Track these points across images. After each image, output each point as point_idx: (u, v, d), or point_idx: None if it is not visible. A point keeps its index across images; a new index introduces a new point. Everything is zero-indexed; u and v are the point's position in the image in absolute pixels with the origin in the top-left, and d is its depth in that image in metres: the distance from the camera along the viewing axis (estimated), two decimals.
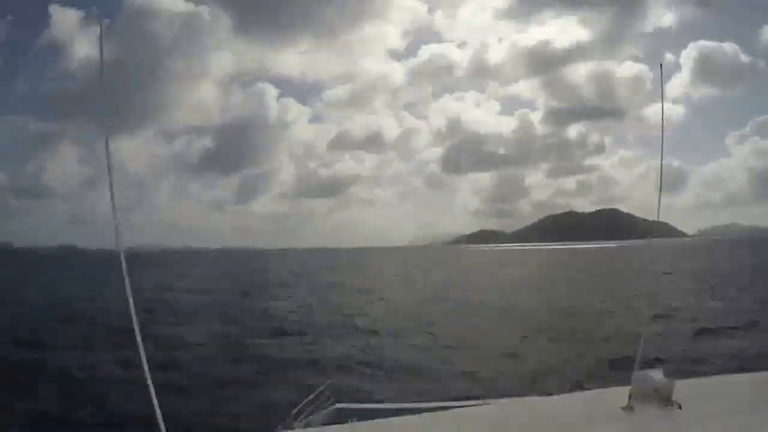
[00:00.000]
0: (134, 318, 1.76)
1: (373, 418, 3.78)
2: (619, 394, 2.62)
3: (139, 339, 1.75)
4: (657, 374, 2.63)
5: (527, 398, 6.92)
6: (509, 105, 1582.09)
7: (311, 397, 7.09)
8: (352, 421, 6.76)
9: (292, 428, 6.05)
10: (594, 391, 4.58)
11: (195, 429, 10.50)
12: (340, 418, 7.03)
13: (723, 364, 14.45)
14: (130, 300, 1.77)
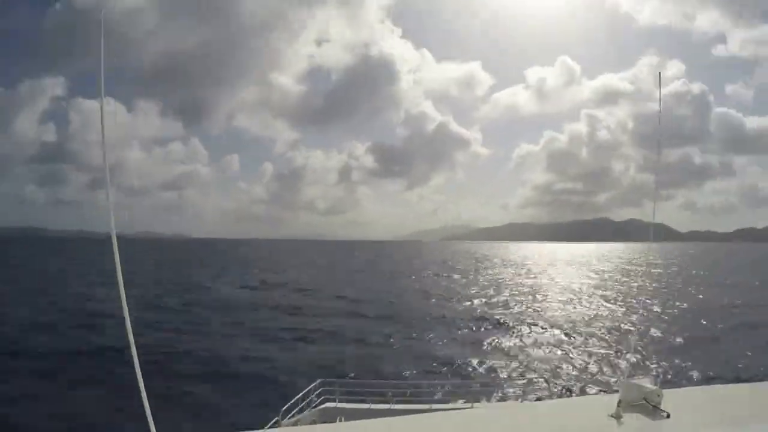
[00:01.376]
0: (125, 307, 1.67)
1: (360, 419, 3.75)
2: (608, 401, 2.60)
3: (128, 325, 1.66)
4: (646, 382, 2.62)
5: (515, 402, 6.92)
6: None
7: (301, 395, 7.07)
8: (339, 420, 6.75)
9: (280, 426, 6.03)
10: (582, 398, 4.57)
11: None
12: (328, 416, 7.02)
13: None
14: (121, 287, 1.66)
